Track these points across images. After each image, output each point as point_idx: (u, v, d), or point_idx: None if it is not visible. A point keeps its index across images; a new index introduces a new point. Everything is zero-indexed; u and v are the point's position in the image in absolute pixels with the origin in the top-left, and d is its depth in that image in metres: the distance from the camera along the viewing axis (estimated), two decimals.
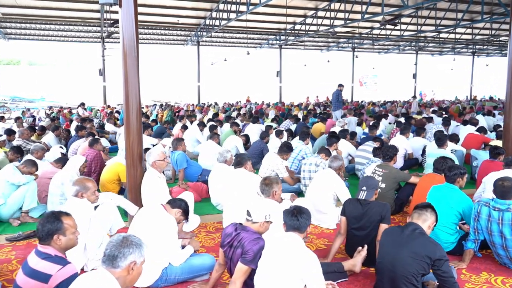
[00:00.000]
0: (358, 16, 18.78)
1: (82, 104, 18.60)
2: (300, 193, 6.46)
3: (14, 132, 9.14)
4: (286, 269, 2.82)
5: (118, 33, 16.85)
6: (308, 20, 21.77)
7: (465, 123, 11.41)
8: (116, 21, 12.38)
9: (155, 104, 24.32)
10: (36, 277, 2.69)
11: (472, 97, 31.80)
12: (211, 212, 5.83)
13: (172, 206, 3.88)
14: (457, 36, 26.60)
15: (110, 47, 23.82)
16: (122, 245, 2.32)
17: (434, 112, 15.68)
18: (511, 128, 6.86)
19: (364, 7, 17.17)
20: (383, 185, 5.53)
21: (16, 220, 5.31)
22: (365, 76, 36.61)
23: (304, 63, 32.16)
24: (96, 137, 7.73)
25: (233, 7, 17.60)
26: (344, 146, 7.92)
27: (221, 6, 18.75)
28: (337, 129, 10.30)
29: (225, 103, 25.43)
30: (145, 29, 22.91)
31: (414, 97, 22.77)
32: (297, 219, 2.97)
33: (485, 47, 31.68)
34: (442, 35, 26.97)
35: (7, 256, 4.35)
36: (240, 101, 27.31)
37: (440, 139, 7.07)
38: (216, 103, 23.89)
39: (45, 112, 18.00)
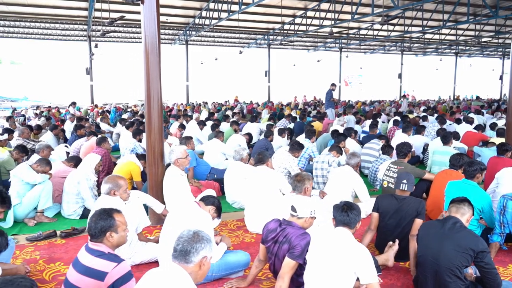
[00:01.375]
0: (347, 16, 19.03)
1: (73, 103, 18.27)
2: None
3: (13, 131, 8.94)
4: (339, 263, 2.85)
5: (115, 32, 16.46)
6: (297, 20, 21.86)
7: (458, 121, 11.68)
8: (115, 20, 12.19)
9: (144, 104, 24.03)
10: (92, 275, 2.66)
11: (456, 97, 32.51)
12: (227, 210, 5.82)
13: (206, 204, 3.87)
14: (442, 36, 27.15)
15: (96, 46, 23.48)
16: (194, 240, 2.31)
17: (425, 111, 15.99)
18: None
19: (354, 7, 17.37)
20: None
21: (31, 220, 5.21)
22: (351, 76, 36.97)
23: (293, 62, 32.33)
24: (103, 135, 7.60)
25: (224, 6, 17.56)
26: (350, 144, 8.01)
27: (211, 5, 18.68)
28: (337, 127, 10.41)
29: (214, 102, 25.32)
30: (132, 28, 22.62)
31: (404, 96, 23.13)
32: (347, 214, 3.01)
33: (467, 47, 32.41)
34: (426, 35, 27.46)
35: (32, 256, 4.26)
36: (228, 101, 27.26)
37: (446, 137, 7.21)
38: (206, 103, 23.80)
39: (34, 112, 17.60)
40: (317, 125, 12.06)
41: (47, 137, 9.40)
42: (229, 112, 16.22)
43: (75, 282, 2.70)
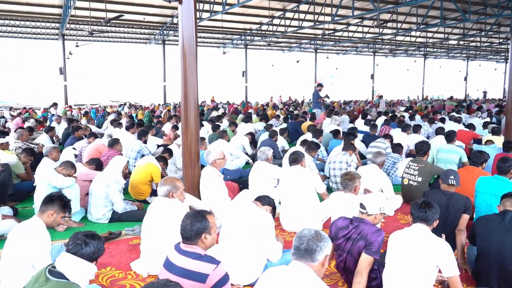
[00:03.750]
0: (326, 18, 19.41)
1: (55, 105, 17.62)
2: (329, 189, 6.63)
3: (8, 134, 8.59)
4: (421, 258, 2.96)
5: (110, 32, 16.13)
6: (275, 21, 22.04)
7: (442, 120, 12.19)
8: (111, 19, 11.88)
9: (122, 105, 23.55)
10: (193, 278, 2.64)
11: (424, 97, 33.77)
12: None
13: (262, 203, 3.91)
14: (412, 39, 28.16)
15: (72, 45, 22.88)
16: (318, 239, 2.36)
17: (406, 110, 16.54)
18: None
19: (334, 9, 17.74)
20: (419, 179, 5.85)
21: (60, 225, 5.04)
22: (322, 77, 37.65)
23: (270, 63, 32.54)
24: (115, 137, 7.42)
25: (206, 6, 17.48)
26: (357, 144, 8.21)
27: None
28: (333, 127, 10.63)
29: None
30: (108, 27, 22.07)
31: (381, 96, 23.78)
32: (425, 211, 3.12)
33: (435, 49, 33.77)
34: (398, 37, 28.36)
35: None
36: (205, 101, 27.07)
37: (450, 136, 7.54)
38: None
39: (10, 113, 16.87)
40: (309, 124, 12.26)
41: (43, 139, 9.08)
42: (214, 113, 16.17)
43: None
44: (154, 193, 6.31)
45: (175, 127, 11.46)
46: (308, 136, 8.60)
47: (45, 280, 2.39)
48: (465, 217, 4.03)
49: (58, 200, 3.38)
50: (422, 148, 6.08)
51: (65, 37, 22.63)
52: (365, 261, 3.19)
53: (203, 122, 11.45)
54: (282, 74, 36.57)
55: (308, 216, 4.95)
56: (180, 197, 3.90)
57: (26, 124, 10.96)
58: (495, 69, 42.18)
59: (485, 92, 39.41)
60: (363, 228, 3.30)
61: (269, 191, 5.78)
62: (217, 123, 11.89)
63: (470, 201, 4.13)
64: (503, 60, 40.12)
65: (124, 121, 12.48)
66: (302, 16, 19.80)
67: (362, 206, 3.42)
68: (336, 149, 7.65)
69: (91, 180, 5.67)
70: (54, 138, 9.68)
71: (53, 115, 14.82)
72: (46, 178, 5.09)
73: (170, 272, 2.74)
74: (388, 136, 8.42)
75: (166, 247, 3.72)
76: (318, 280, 2.30)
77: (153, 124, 13.97)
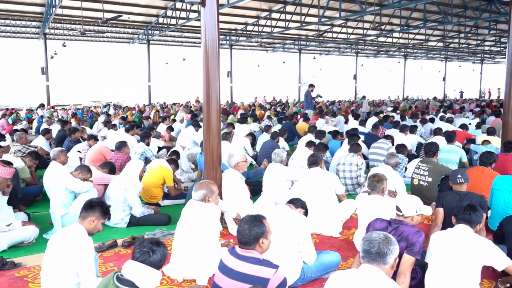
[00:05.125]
0: (313, 19, 19.59)
1: (42, 105, 17.17)
2: None
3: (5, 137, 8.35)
4: (465, 257, 3.06)
5: (94, 31, 15.86)
6: (261, 21, 22.11)
7: (432, 120, 12.51)
8: (109, 20, 11.65)
9: (106, 105, 23.18)
10: (253, 282, 2.67)
11: (405, 97, 34.46)
12: None
13: (295, 206, 3.94)
14: (394, 40, 28.71)
15: (55, 45, 22.35)
16: (388, 242, 2.42)
17: (393, 111, 16.86)
18: (510, 125, 7.67)
19: (321, 10, 17.94)
20: (429, 179, 6.00)
21: None
22: (305, 77, 37.97)
23: (253, 63, 32.61)
24: (123, 140, 7.30)
25: (194, 7, 17.38)
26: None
27: (178, 5, 18.42)
28: (329, 127, 10.77)
29: (177, 103, 24.92)
30: (92, 26, 21.66)
31: (364, 97, 24.15)
32: (469, 214, 3.24)
33: (414, 50, 34.51)
34: (380, 38, 28.84)
35: (107, 268, 4.09)
36: (190, 101, 26.91)
37: (450, 136, 7.75)
38: (174, 104, 23.38)
39: None
40: (303, 125, 12.38)
41: (40, 141, 8.87)
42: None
43: None
44: (166, 196, 6.28)
45: (170, 129, 11.40)
46: (311, 137, 8.67)
47: None
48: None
49: (99, 207, 3.34)
50: (431, 149, 6.22)
51: (47, 36, 22.11)
52: (407, 261, 3.27)
53: (200, 123, 11.39)
54: (265, 75, 36.68)
55: (329, 217, 5.02)
56: (215, 201, 3.91)
57: (19, 126, 10.68)
58: (473, 70, 43.50)
59: (461, 92, 40.57)
60: (403, 229, 3.38)
61: (284, 192, 5.84)
62: None
63: (485, 199, 4.29)
64: (479, 61, 41.45)
65: (117, 122, 12.31)
66: (288, 17, 19.91)
67: (398, 208, 3.50)
68: (340, 150, 7.76)
69: (105, 184, 5.62)
70: (50, 140, 9.45)
71: (41, 116, 14.46)
72: (63, 183, 4.98)
73: (228, 276, 2.76)
74: (389, 137, 8.58)
75: (201, 251, 3.74)
76: (393, 283, 2.36)
77: (143, 125, 13.87)
